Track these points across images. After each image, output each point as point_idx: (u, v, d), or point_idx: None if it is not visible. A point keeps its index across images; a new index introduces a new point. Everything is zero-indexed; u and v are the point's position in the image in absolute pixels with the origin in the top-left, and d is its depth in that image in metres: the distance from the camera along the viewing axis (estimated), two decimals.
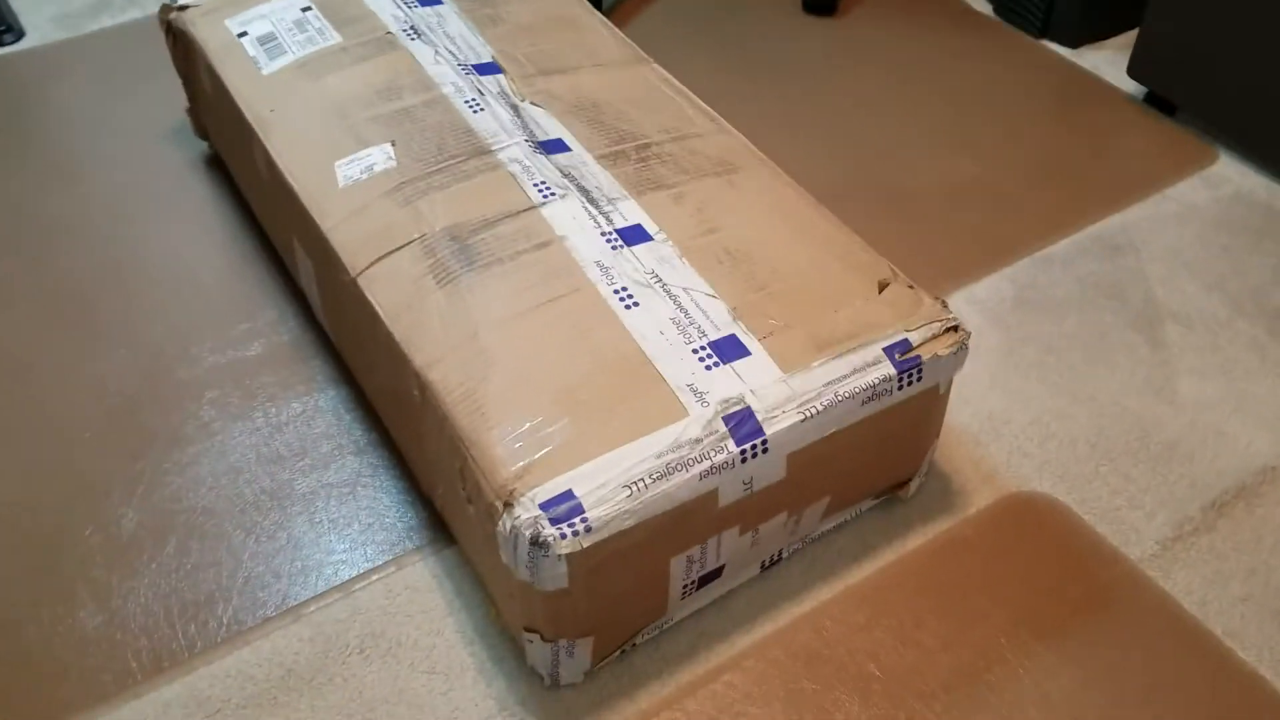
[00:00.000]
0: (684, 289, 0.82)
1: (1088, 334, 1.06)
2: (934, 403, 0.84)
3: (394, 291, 0.83)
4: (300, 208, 0.91)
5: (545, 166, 0.91)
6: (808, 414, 0.76)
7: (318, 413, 0.97)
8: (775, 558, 0.86)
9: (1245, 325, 1.07)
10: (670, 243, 0.86)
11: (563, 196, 0.88)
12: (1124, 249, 1.15)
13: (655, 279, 0.83)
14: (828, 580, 0.86)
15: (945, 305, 0.83)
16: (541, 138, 0.94)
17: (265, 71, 1.02)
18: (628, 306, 0.81)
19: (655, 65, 1.05)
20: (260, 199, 1.08)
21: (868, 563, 0.87)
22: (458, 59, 1.02)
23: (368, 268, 0.85)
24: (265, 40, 1.05)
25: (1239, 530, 0.90)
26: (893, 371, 0.79)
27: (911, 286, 0.84)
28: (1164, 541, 0.90)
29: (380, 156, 0.92)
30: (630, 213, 0.88)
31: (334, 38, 1.04)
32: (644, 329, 0.79)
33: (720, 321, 0.80)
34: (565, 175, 0.90)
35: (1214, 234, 1.17)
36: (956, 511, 0.91)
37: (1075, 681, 0.81)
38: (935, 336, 0.81)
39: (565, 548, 0.69)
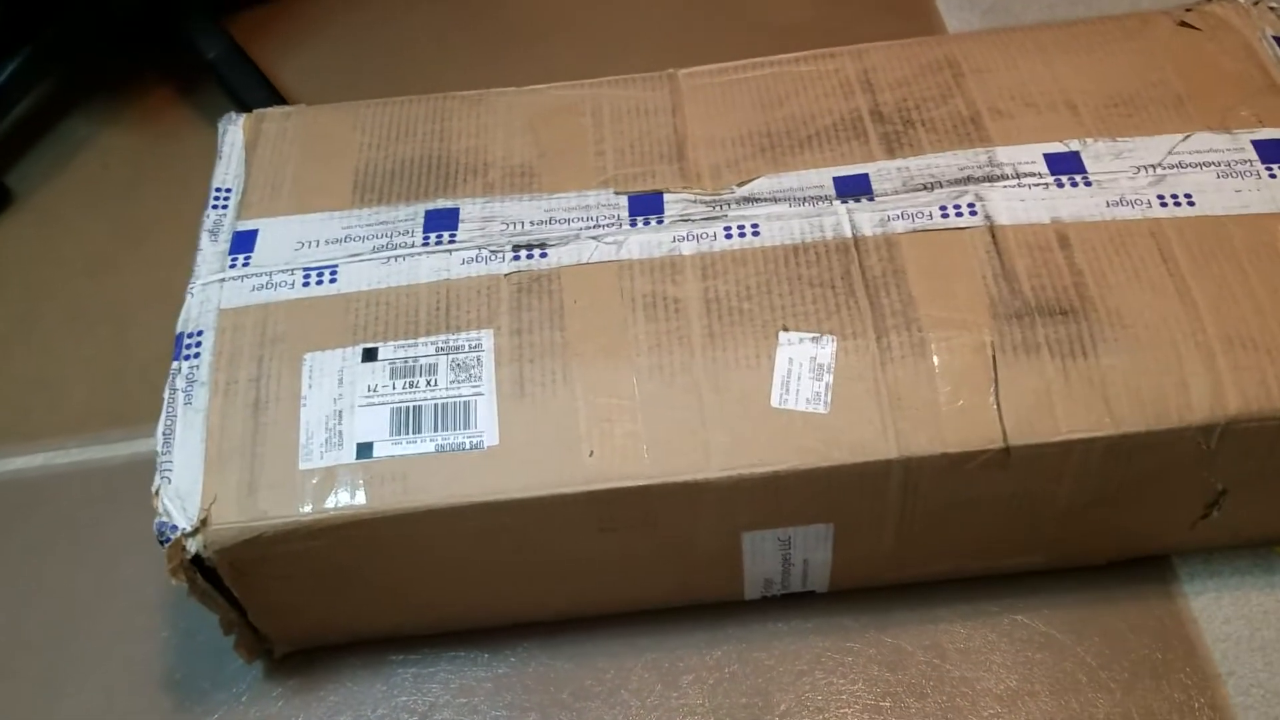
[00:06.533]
0: (1170, 152, 0.74)
1: None
2: None
3: (1073, 411, 0.65)
4: (807, 477, 0.65)
5: (902, 201, 0.72)
6: None
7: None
8: None
9: None
10: (1089, 139, 0.75)
11: (979, 200, 0.72)
12: None
13: (1150, 171, 0.73)
14: None
15: None
16: (824, 193, 0.74)
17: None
18: (1192, 203, 0.71)
19: (679, 71, 0.84)
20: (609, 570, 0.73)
21: None
22: (638, 222, 0.73)
23: (1004, 427, 0.64)
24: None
25: None
26: None
27: None
28: None
29: (800, 348, 0.67)
30: (1016, 155, 0.74)
31: (556, 336, 0.69)
32: (1231, 202, 0.71)
33: (1227, 145, 0.74)
34: (926, 188, 0.73)
35: None
36: None
37: None
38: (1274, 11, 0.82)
39: None
